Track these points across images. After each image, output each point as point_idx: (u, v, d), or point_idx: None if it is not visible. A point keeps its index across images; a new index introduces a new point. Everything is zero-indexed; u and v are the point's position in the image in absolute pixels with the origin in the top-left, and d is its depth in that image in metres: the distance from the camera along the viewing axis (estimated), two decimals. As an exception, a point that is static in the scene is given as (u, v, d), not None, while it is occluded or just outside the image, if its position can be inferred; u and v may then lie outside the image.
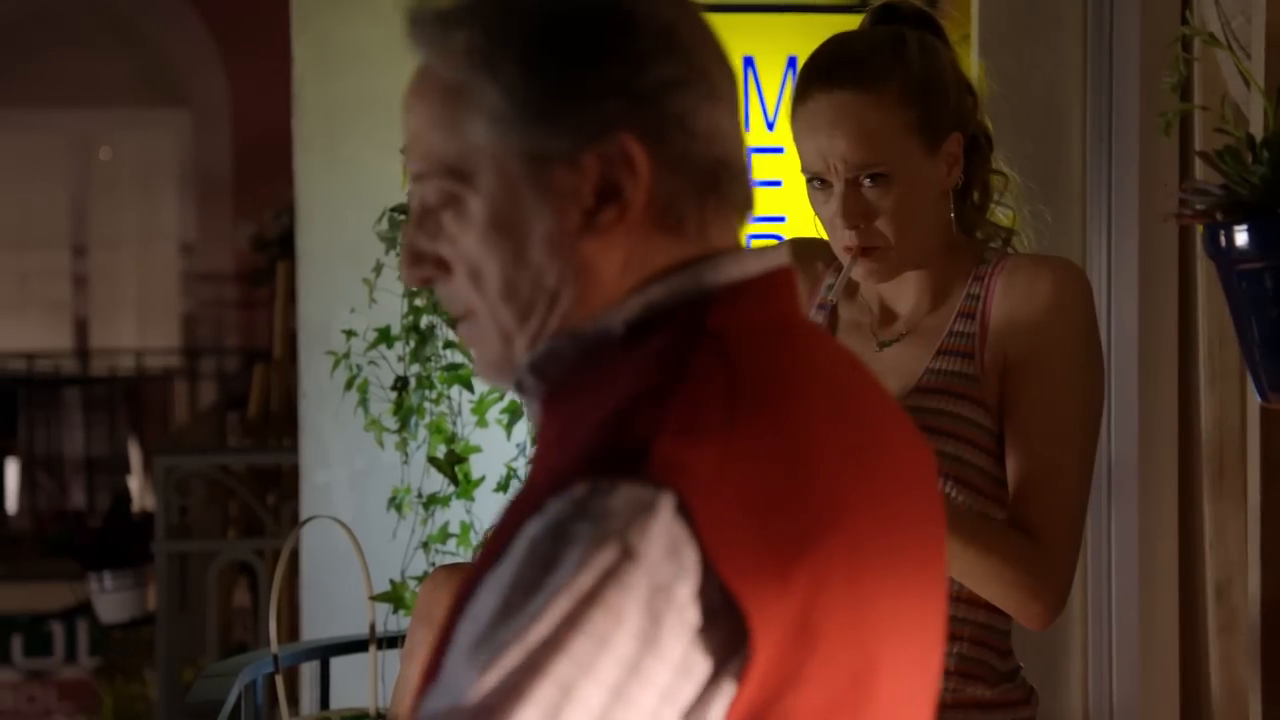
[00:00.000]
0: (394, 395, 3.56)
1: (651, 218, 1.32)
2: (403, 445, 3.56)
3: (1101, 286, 3.20)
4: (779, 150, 3.53)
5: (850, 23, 3.20)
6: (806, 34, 3.52)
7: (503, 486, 3.55)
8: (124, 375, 12.13)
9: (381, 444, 3.58)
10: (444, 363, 3.51)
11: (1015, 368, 2.17)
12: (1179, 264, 3.14)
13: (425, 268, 1.37)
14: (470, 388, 3.49)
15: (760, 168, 3.56)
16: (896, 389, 2.20)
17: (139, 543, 6.59)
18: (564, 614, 1.17)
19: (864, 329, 2.27)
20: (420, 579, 3.37)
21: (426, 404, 3.55)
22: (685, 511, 1.19)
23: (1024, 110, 3.19)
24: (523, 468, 3.54)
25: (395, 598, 3.41)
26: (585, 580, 1.17)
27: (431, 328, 3.51)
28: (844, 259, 2.20)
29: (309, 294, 4.10)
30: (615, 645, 1.17)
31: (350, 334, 3.59)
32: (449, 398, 3.55)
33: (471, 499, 3.52)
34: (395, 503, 3.62)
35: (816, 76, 2.17)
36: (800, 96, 2.18)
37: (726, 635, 1.20)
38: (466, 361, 3.47)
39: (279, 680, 2.84)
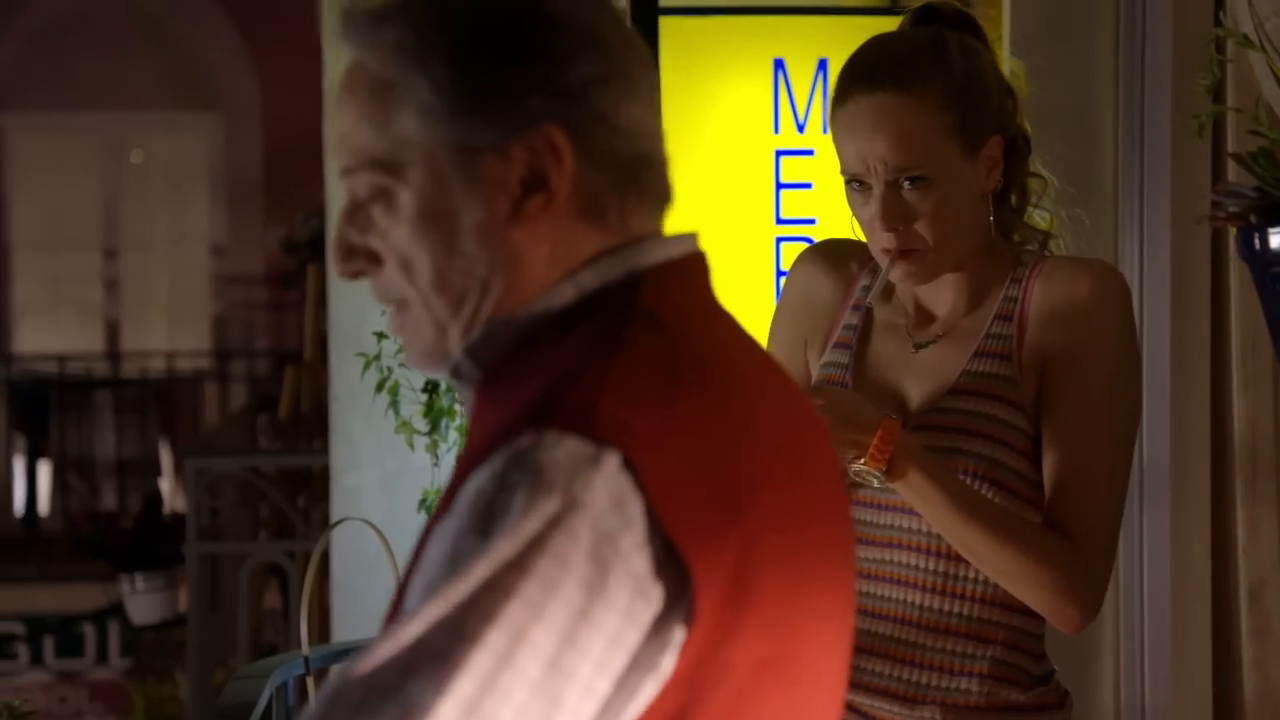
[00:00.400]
0: (425, 397, 3.57)
1: (576, 208, 1.37)
2: (433, 447, 3.56)
3: (1134, 289, 3.18)
4: (809, 153, 3.52)
5: (881, 25, 3.20)
6: (837, 36, 3.51)
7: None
8: (155, 377, 12.18)
9: (412, 446, 3.59)
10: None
11: (1053, 370, 2.16)
12: (1212, 266, 3.13)
13: (357, 261, 1.41)
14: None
15: (790, 170, 3.55)
16: (933, 390, 2.20)
17: (170, 544, 6.61)
18: (511, 559, 1.22)
19: (900, 330, 2.27)
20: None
21: (457, 406, 3.55)
22: (630, 467, 1.25)
23: (1055, 112, 3.18)
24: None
25: (426, 600, 3.41)
26: (530, 526, 1.22)
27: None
28: (882, 261, 2.20)
29: (339, 296, 4.11)
30: (563, 590, 1.22)
31: (381, 336, 3.59)
32: (480, 400, 3.55)
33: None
34: (426, 505, 3.62)
35: (858, 78, 2.17)
36: (841, 97, 2.18)
37: (670, 586, 1.25)
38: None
39: (310, 682, 2.85)
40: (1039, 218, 2.30)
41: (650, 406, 1.28)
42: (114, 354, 12.62)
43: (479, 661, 1.21)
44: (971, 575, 2.16)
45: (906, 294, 2.28)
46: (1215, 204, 2.38)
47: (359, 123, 1.38)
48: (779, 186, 3.55)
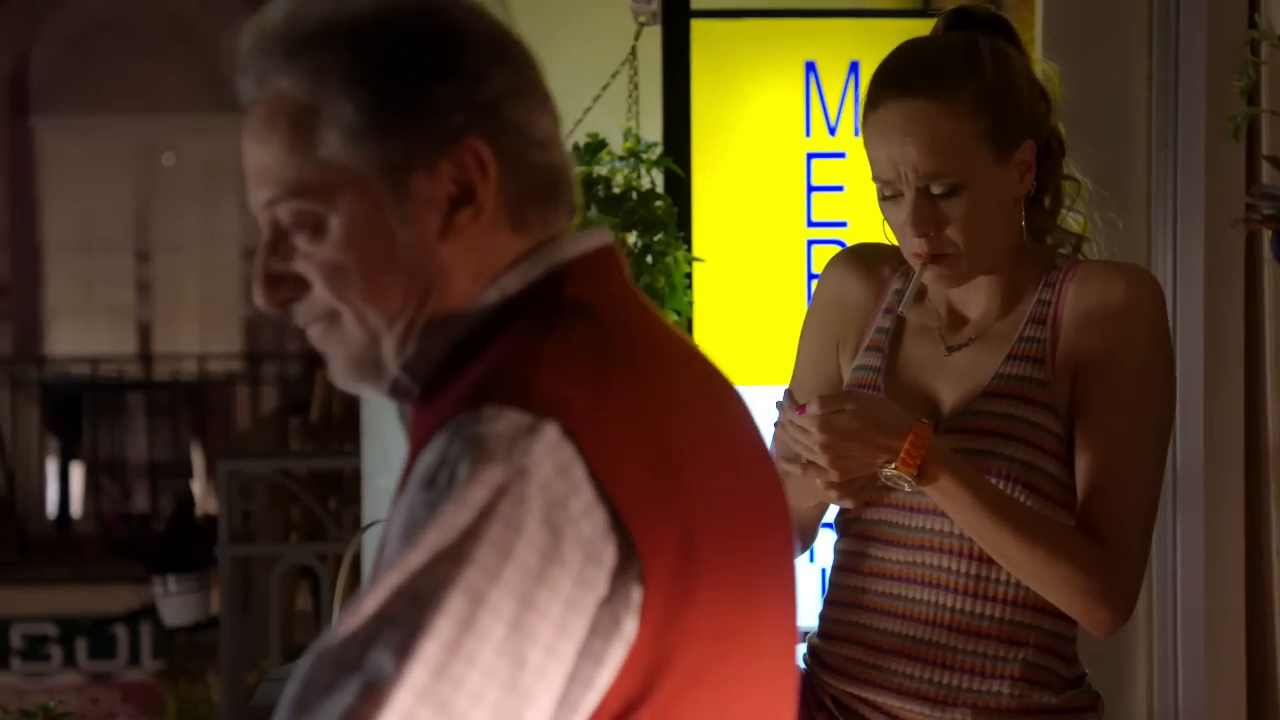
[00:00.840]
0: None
1: (500, 219, 1.41)
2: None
3: (1167, 292, 3.17)
4: (840, 155, 3.52)
5: (912, 27, 3.21)
6: (868, 39, 3.51)
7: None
8: (187, 380, 12.23)
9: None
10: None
11: (1086, 373, 2.16)
12: (1245, 269, 3.12)
13: (283, 290, 1.44)
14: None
15: (822, 173, 3.55)
16: (965, 394, 2.20)
17: (202, 546, 6.64)
18: (463, 527, 1.26)
19: (932, 333, 2.26)
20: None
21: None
22: (569, 436, 1.30)
23: (1088, 115, 3.17)
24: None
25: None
26: (477, 494, 1.27)
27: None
28: (914, 265, 2.20)
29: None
30: (518, 554, 1.26)
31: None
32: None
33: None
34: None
35: (889, 83, 2.16)
36: (872, 103, 2.17)
37: (619, 551, 1.30)
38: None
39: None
40: (1072, 220, 2.29)
41: (584, 381, 1.33)
42: (146, 356, 12.67)
43: (441, 627, 1.24)
44: (1003, 578, 2.15)
45: (939, 297, 2.27)
46: (1250, 206, 2.38)
47: (281, 152, 1.40)
48: (810, 189, 3.55)
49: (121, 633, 9.42)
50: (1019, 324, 2.21)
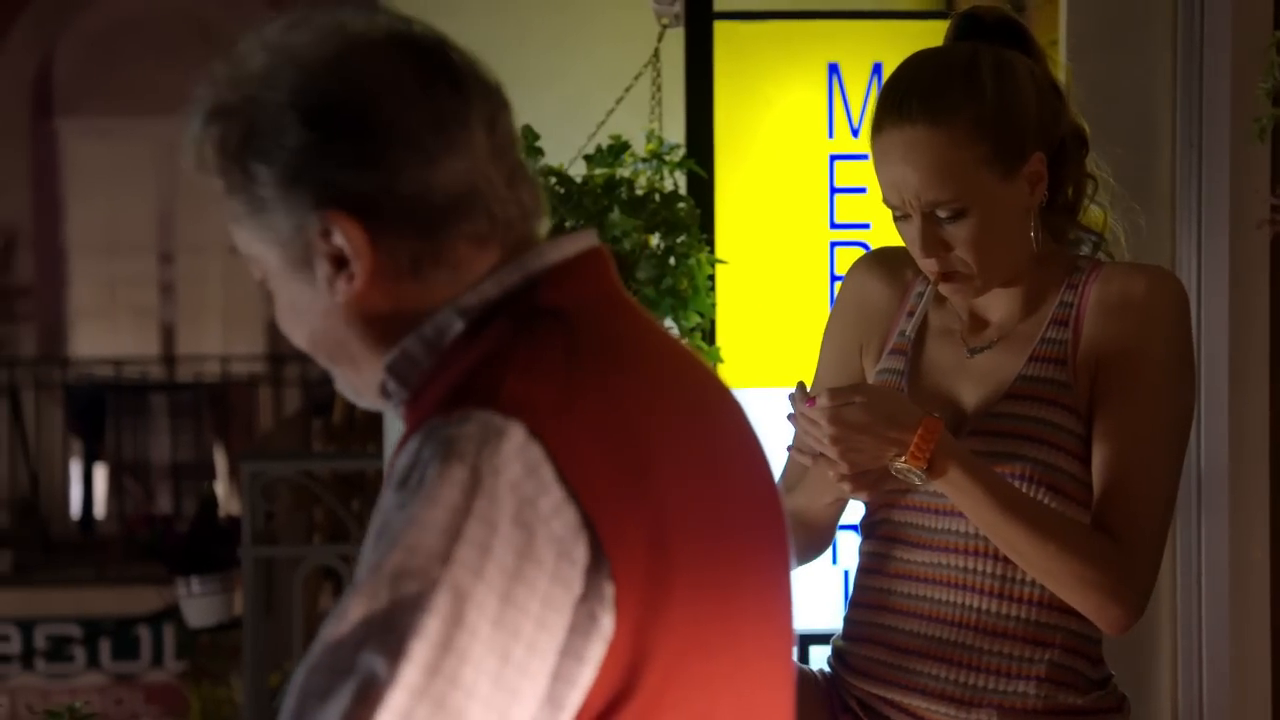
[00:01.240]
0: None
1: (401, 271, 1.42)
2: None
3: (1191, 293, 3.17)
4: (863, 157, 3.51)
5: (935, 29, 3.19)
6: (892, 41, 3.51)
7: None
8: (210, 381, 12.24)
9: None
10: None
11: (1105, 369, 2.15)
12: (1270, 271, 3.11)
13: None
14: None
15: (845, 175, 3.55)
16: (988, 396, 2.20)
17: (225, 548, 6.65)
18: (443, 526, 1.29)
19: (954, 335, 2.26)
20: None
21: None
22: (536, 437, 1.32)
23: (1113, 115, 3.17)
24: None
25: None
26: (449, 494, 1.30)
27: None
28: (930, 279, 2.20)
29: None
30: (495, 552, 1.29)
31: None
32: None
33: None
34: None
35: (889, 107, 2.16)
36: (876, 127, 2.17)
37: (589, 550, 1.32)
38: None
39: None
40: (1095, 210, 2.28)
41: (552, 383, 1.36)
42: (169, 358, 12.70)
43: (430, 625, 1.27)
44: (1028, 579, 2.15)
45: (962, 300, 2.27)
46: (1275, 208, 2.37)
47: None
48: (833, 191, 3.54)
49: (145, 634, 9.44)
50: (1041, 326, 2.21)
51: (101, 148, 12.69)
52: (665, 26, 3.93)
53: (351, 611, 1.28)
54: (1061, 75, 2.28)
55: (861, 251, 3.31)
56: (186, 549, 6.85)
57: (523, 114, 3.80)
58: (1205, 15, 3.21)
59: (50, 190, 12.57)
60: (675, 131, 3.67)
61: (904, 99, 2.14)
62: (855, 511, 2.34)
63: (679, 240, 3.38)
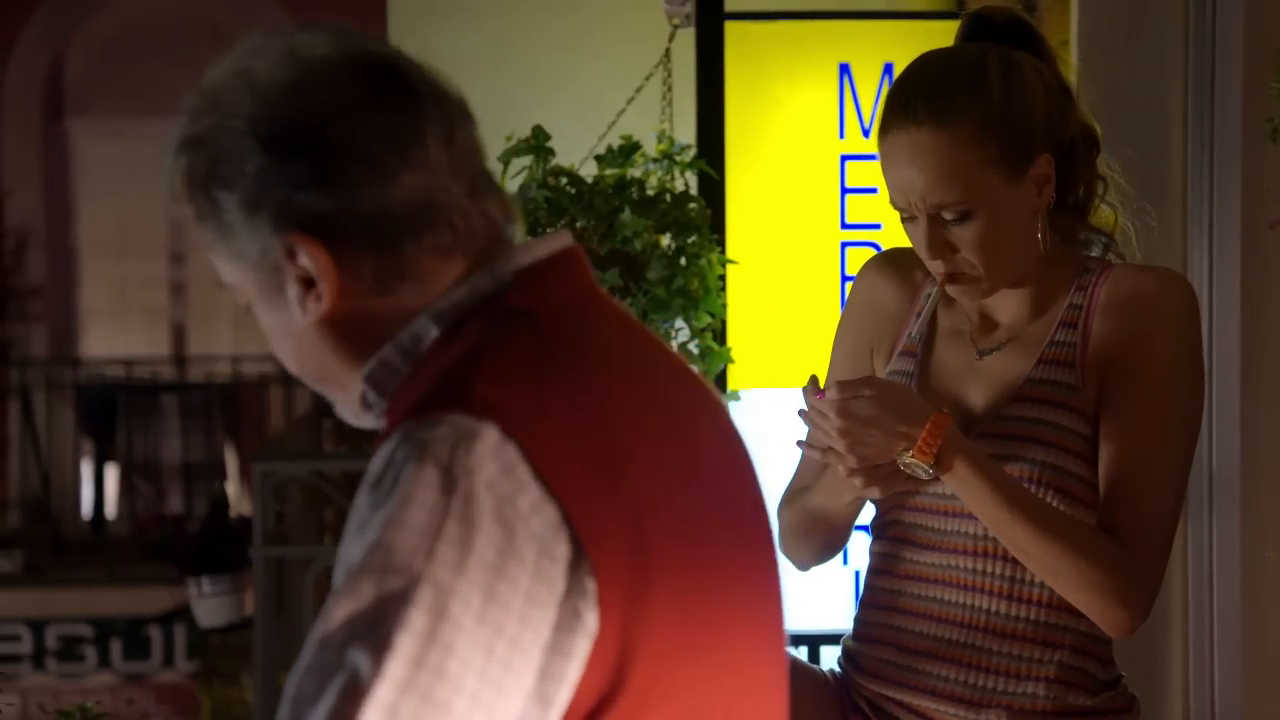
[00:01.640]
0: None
1: (367, 288, 1.45)
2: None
3: (1203, 294, 3.17)
4: (874, 157, 3.49)
5: (946, 29, 3.19)
6: (902, 41, 3.51)
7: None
8: (221, 381, 12.24)
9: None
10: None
11: (1113, 369, 2.15)
12: (1282, 271, 3.10)
13: None
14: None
15: (855, 175, 3.55)
16: (997, 398, 2.19)
17: (237, 548, 6.64)
18: (421, 526, 1.30)
19: (964, 337, 2.26)
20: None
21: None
22: (510, 437, 1.34)
23: (1124, 115, 3.17)
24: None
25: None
26: (427, 495, 1.32)
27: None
28: (938, 280, 2.20)
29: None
30: (476, 549, 1.31)
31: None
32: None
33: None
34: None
35: (895, 109, 2.15)
36: (882, 128, 2.17)
37: (570, 547, 1.34)
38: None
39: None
40: (1105, 209, 2.28)
41: (523, 385, 1.38)
42: (180, 358, 12.70)
43: (414, 619, 1.29)
44: (1038, 580, 2.15)
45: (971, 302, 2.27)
46: (1286, 208, 2.36)
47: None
48: (844, 191, 3.55)
49: (156, 634, 9.45)
50: (1050, 327, 2.20)
51: (113, 148, 12.70)
52: (676, 27, 3.93)
53: (335, 612, 1.31)
54: (1072, 76, 2.27)
55: (872, 252, 3.31)
56: (197, 549, 6.84)
57: (534, 114, 3.84)
58: (1217, 15, 3.21)
59: (61, 191, 12.58)
60: (686, 132, 3.68)
61: (910, 100, 2.14)
62: (867, 512, 2.34)
63: (690, 240, 3.38)
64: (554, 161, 3.44)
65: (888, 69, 3.54)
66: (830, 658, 3.35)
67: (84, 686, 9.24)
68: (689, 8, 3.80)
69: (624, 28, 4.55)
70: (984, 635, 2.17)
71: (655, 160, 3.49)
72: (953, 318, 2.28)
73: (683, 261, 3.37)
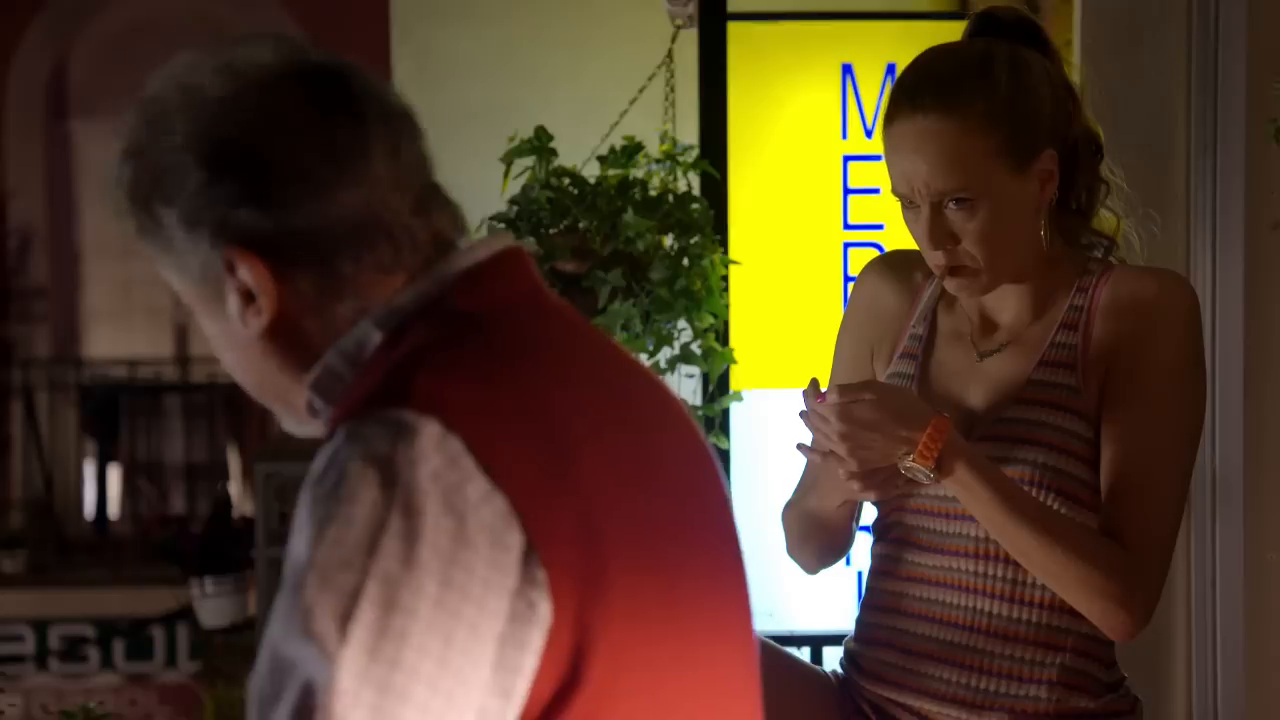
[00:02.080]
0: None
1: (306, 301, 1.45)
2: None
3: (1206, 296, 3.16)
4: (877, 158, 3.51)
5: (949, 29, 3.19)
6: (905, 42, 3.50)
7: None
8: (224, 382, 12.23)
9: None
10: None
11: (1114, 371, 2.15)
12: (1285, 272, 3.10)
13: None
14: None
15: (858, 176, 3.55)
16: (997, 400, 2.19)
17: (240, 548, 6.65)
18: (364, 520, 1.30)
19: (965, 339, 2.26)
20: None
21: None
22: (454, 431, 1.33)
23: (1127, 116, 3.16)
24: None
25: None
26: (368, 491, 1.31)
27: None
28: (937, 273, 2.20)
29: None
30: (426, 538, 1.31)
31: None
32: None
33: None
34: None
35: (901, 98, 2.16)
36: (887, 118, 2.17)
37: (522, 538, 1.33)
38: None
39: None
40: (1105, 215, 2.28)
41: (466, 381, 1.38)
42: (183, 359, 12.70)
43: (364, 613, 1.29)
44: (1039, 583, 2.14)
45: (971, 303, 2.27)
46: (1290, 209, 2.36)
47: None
48: (847, 192, 3.54)
49: (159, 634, 9.44)
50: (1051, 329, 2.20)
51: (116, 149, 12.70)
52: (679, 27, 3.93)
53: (285, 611, 1.31)
54: (1076, 77, 2.27)
55: (874, 252, 3.31)
56: (201, 550, 6.84)
57: (537, 115, 3.84)
58: (1220, 16, 3.20)
59: (65, 192, 12.58)
60: (689, 132, 3.68)
61: (917, 90, 2.14)
62: (870, 513, 2.34)
63: (693, 241, 3.38)
64: (557, 162, 3.44)
65: (890, 69, 3.53)
66: (832, 659, 3.35)
67: (87, 687, 9.23)
68: (691, 8, 3.80)
69: (626, 28, 4.55)
70: (985, 637, 2.17)
71: (658, 161, 3.49)
72: (953, 320, 2.28)
73: (685, 262, 3.36)
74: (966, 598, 2.18)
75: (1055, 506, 2.12)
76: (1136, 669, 2.38)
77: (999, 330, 2.25)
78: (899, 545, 2.24)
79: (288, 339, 1.47)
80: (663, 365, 3.34)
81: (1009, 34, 2.21)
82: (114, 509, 11.78)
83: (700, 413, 3.39)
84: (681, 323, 3.37)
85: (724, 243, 3.45)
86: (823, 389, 2.13)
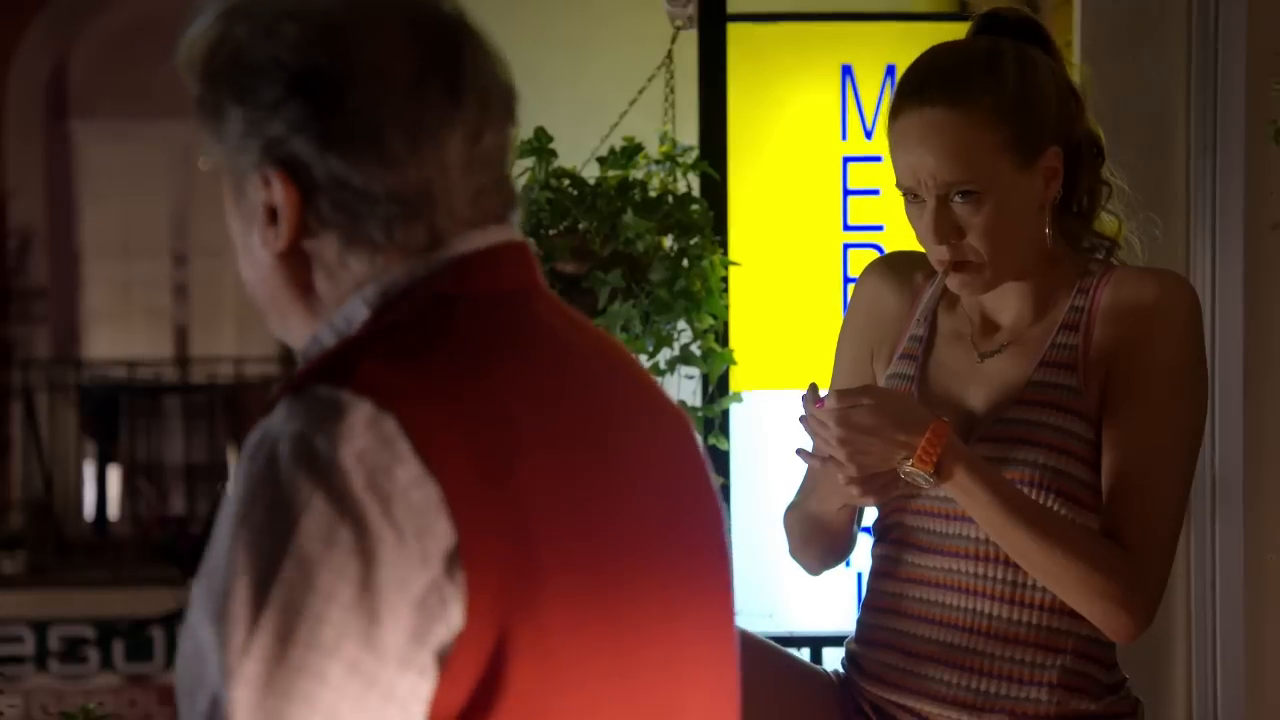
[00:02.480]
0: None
1: (326, 240, 1.41)
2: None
3: (1206, 296, 3.16)
4: (877, 159, 3.51)
5: (949, 31, 3.19)
6: (905, 43, 3.50)
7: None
8: (223, 383, 12.24)
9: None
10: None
11: (1115, 373, 2.15)
12: (1285, 273, 3.10)
13: None
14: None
15: (858, 177, 3.55)
16: (998, 401, 2.19)
17: (239, 549, 6.65)
18: (284, 499, 1.27)
19: (965, 340, 2.26)
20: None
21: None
22: (389, 413, 1.29)
23: (1127, 117, 3.16)
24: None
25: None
26: (290, 471, 1.28)
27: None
28: (939, 270, 2.20)
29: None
30: (348, 518, 1.26)
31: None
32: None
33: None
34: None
35: (908, 91, 2.16)
36: (893, 111, 2.17)
37: (449, 529, 1.28)
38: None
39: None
40: (1107, 218, 2.28)
41: (413, 366, 1.34)
42: (183, 359, 12.71)
43: (277, 594, 1.26)
44: (1040, 584, 2.14)
45: (971, 303, 2.27)
46: (1290, 210, 2.36)
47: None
48: (846, 193, 3.54)
49: (158, 635, 9.45)
50: (1051, 330, 2.20)
51: (116, 150, 12.70)
52: (679, 28, 3.93)
53: (201, 593, 1.29)
54: (1077, 77, 2.27)
55: (874, 254, 3.31)
56: (200, 550, 6.85)
57: (537, 116, 3.82)
58: (1220, 17, 3.20)
59: (65, 192, 12.59)
60: (688, 133, 3.67)
61: (925, 84, 2.14)
62: (870, 514, 2.34)
63: (692, 242, 3.38)
64: (556, 163, 3.44)
65: (890, 70, 3.53)
66: (832, 659, 3.34)
67: (87, 688, 9.24)
68: (691, 9, 3.80)
69: (626, 29, 4.55)
70: (986, 639, 2.17)
71: (658, 162, 3.49)
72: (953, 320, 2.28)
73: (685, 263, 3.36)
74: (966, 599, 2.18)
75: (1056, 508, 2.12)
76: (1137, 670, 2.38)
77: (999, 331, 2.25)
78: (899, 546, 2.24)
79: (298, 268, 1.42)
80: (662, 366, 3.34)
81: (1014, 33, 2.21)
82: (114, 510, 11.78)
83: (700, 414, 3.39)
84: (681, 324, 3.37)
85: (724, 244, 3.45)
86: (821, 394, 2.13)
